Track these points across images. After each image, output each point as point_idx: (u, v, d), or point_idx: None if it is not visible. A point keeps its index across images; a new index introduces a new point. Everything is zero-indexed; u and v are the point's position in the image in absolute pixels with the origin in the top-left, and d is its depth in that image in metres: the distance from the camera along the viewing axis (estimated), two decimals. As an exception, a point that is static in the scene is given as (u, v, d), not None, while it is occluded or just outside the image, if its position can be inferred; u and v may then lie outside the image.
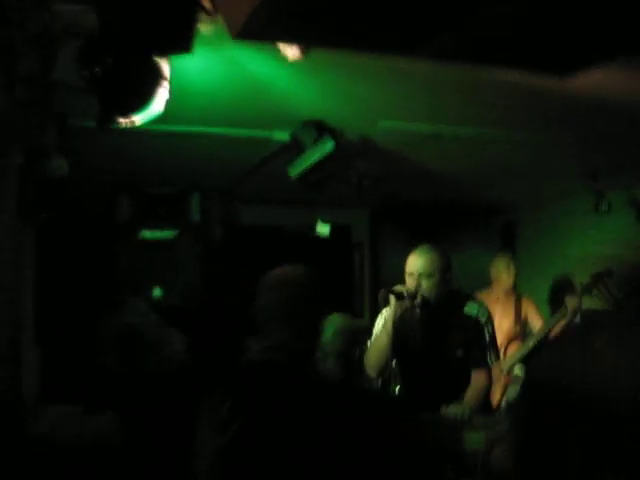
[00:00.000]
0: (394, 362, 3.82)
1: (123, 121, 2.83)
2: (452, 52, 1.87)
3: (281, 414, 2.40)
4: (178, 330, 3.85)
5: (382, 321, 3.94)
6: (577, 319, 5.43)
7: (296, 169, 4.24)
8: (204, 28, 2.55)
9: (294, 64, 2.95)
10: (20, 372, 3.19)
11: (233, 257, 6.37)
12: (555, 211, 6.90)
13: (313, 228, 5.99)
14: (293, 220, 6.51)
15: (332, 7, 1.54)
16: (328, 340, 3.39)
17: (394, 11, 1.56)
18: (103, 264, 5.55)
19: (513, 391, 5.15)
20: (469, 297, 4.05)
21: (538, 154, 4.97)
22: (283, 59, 2.79)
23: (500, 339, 5.91)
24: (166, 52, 2.11)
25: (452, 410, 3.56)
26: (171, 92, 2.87)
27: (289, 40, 2.11)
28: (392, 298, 3.68)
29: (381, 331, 3.81)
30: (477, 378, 3.87)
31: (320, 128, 4.05)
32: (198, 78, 3.35)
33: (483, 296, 6.05)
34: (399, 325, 3.71)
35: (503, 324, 5.94)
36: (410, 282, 3.78)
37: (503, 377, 5.71)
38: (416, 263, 3.79)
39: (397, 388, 3.99)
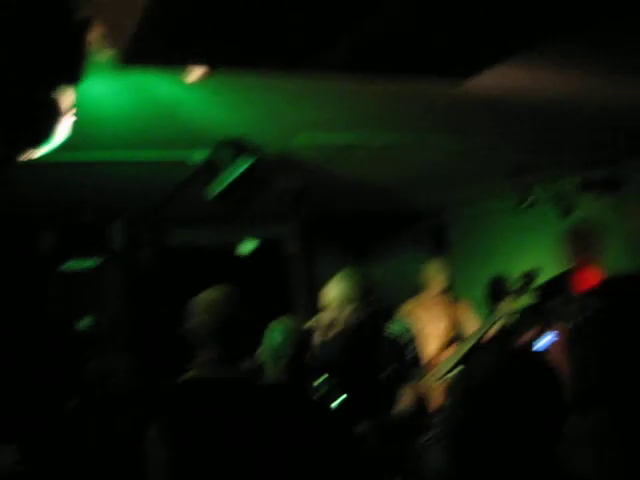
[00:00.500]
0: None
1: (26, 156, 2.76)
2: (345, 66, 1.86)
3: (224, 425, 2.57)
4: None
5: None
6: (511, 320, 5.48)
7: (215, 189, 4.19)
8: (107, 55, 2.51)
9: (204, 84, 2.93)
10: None
11: (163, 279, 6.31)
12: (482, 211, 7.00)
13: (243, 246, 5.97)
14: (223, 238, 6.47)
15: (208, 29, 1.51)
16: (279, 344, 3.36)
17: (272, 29, 1.54)
18: (29, 297, 5.43)
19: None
20: (391, 317, 4.07)
21: (459, 157, 5.02)
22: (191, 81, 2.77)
23: (436, 343, 5.96)
24: (54, 85, 2.05)
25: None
26: (83, 120, 2.81)
27: (174, 62, 2.09)
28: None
29: None
30: (404, 396, 3.89)
31: (237, 146, 4.02)
32: (109, 105, 3.31)
33: (417, 301, 6.10)
34: (321, 354, 3.69)
35: (439, 326, 5.99)
36: (329, 311, 3.78)
37: (440, 380, 5.75)
38: (333, 293, 3.79)
39: (342, 398, 3.99)
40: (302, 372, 3.31)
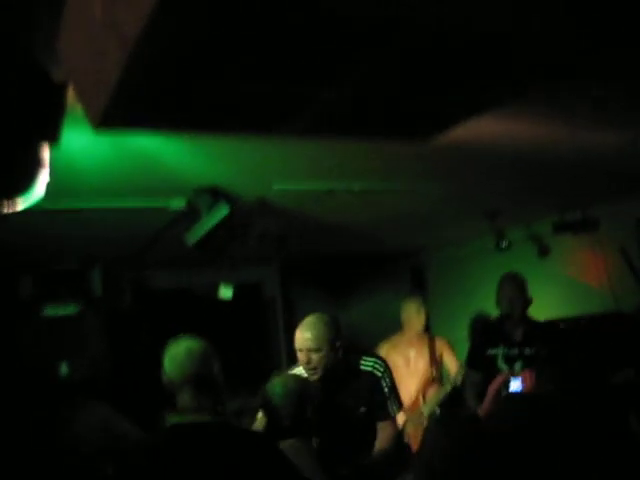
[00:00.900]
0: None
1: (7, 208, 2.79)
2: (311, 130, 1.92)
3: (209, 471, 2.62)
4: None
5: None
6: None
7: (194, 236, 4.23)
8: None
9: (181, 136, 2.98)
10: None
11: (143, 323, 6.32)
12: (459, 252, 7.08)
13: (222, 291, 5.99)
14: (202, 281, 6.49)
15: (181, 98, 1.56)
16: (279, 403, 3.38)
17: (244, 98, 1.59)
18: (6, 343, 5.42)
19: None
20: (363, 353, 4.08)
21: (435, 201, 5.08)
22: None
23: (417, 381, 5.99)
24: (35, 142, 2.11)
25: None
26: (62, 170, 2.86)
27: (146, 129, 2.15)
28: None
29: None
30: (383, 429, 3.90)
31: (215, 194, 4.06)
32: (88, 155, 3.34)
33: (396, 340, 6.14)
34: None
35: (419, 365, 6.03)
36: (301, 357, 3.81)
37: (425, 420, 5.76)
38: (303, 339, 3.81)
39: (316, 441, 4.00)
40: (305, 428, 3.33)
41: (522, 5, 1.40)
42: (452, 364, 5.96)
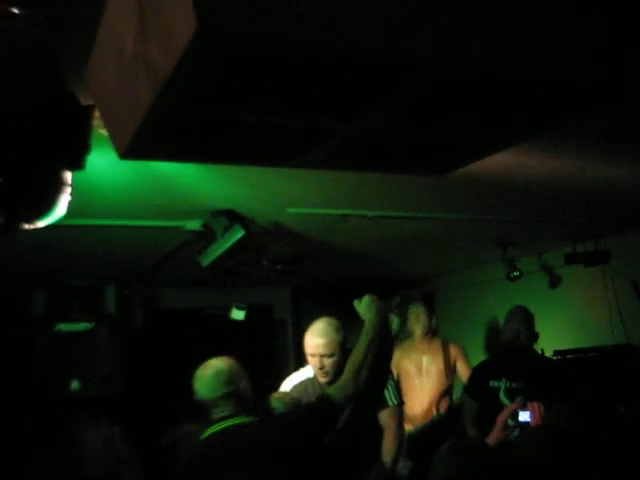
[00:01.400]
0: None
1: (27, 226, 2.85)
2: (328, 162, 1.96)
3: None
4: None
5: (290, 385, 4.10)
6: None
7: (208, 258, 4.28)
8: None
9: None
10: None
11: (155, 341, 6.36)
12: (470, 280, 7.10)
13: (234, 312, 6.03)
14: (214, 302, 6.53)
15: (208, 130, 1.62)
16: None
17: (266, 131, 1.64)
18: (19, 358, 5.46)
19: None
20: None
21: (448, 229, 5.12)
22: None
23: (429, 389, 5.91)
24: (56, 171, 2.17)
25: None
26: (82, 189, 2.91)
27: (171, 160, 2.21)
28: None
29: None
30: (383, 417, 4.02)
31: (231, 217, 4.11)
32: (107, 175, 3.39)
33: (407, 346, 6.11)
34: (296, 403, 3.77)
35: (431, 372, 5.99)
36: (314, 362, 3.86)
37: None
38: (316, 345, 3.86)
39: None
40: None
41: (547, 48, 1.43)
42: (465, 372, 5.85)
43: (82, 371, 5.63)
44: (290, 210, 4.21)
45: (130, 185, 3.60)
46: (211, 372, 3.07)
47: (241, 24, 1.15)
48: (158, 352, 6.32)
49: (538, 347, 5.20)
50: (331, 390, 3.18)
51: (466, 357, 6.05)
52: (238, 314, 5.90)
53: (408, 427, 5.14)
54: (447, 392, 5.97)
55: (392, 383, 4.11)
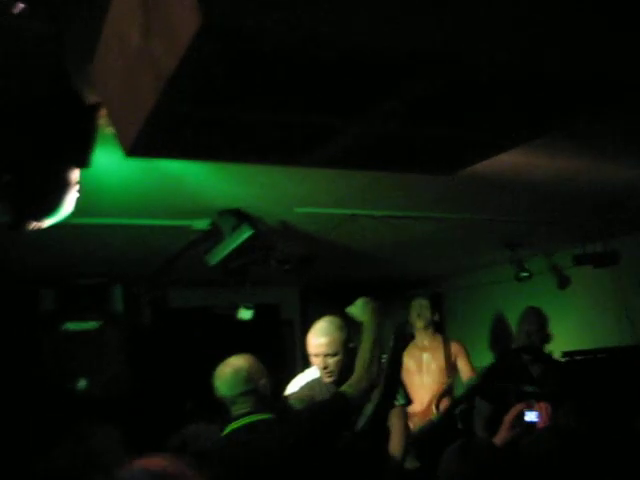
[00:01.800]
0: None
1: (35, 225, 2.85)
2: (336, 161, 1.95)
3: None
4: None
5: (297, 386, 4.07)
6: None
7: (215, 257, 4.27)
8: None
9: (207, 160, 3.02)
10: None
11: (162, 340, 6.36)
12: (479, 280, 7.08)
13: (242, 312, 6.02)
14: (222, 301, 6.52)
15: (214, 128, 1.61)
16: None
17: (274, 129, 1.64)
18: (27, 356, 5.46)
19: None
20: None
21: (457, 229, 5.10)
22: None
23: (429, 386, 5.86)
24: (66, 164, 2.16)
25: None
26: (89, 188, 2.91)
27: (176, 157, 2.20)
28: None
29: None
30: (390, 417, 3.96)
31: (239, 216, 4.11)
32: (114, 174, 3.39)
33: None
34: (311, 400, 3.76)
35: (432, 369, 5.95)
36: (317, 362, 3.83)
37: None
38: (319, 345, 3.82)
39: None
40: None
41: (552, 48, 1.42)
42: (466, 369, 5.86)
43: (90, 370, 5.63)
44: (298, 210, 4.20)
45: (137, 184, 3.60)
46: (230, 370, 3.14)
47: (245, 21, 1.14)
48: (166, 351, 6.32)
49: (547, 348, 5.18)
50: (345, 387, 3.29)
51: (468, 355, 6.00)
52: (246, 314, 5.89)
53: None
54: (447, 391, 5.92)
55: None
